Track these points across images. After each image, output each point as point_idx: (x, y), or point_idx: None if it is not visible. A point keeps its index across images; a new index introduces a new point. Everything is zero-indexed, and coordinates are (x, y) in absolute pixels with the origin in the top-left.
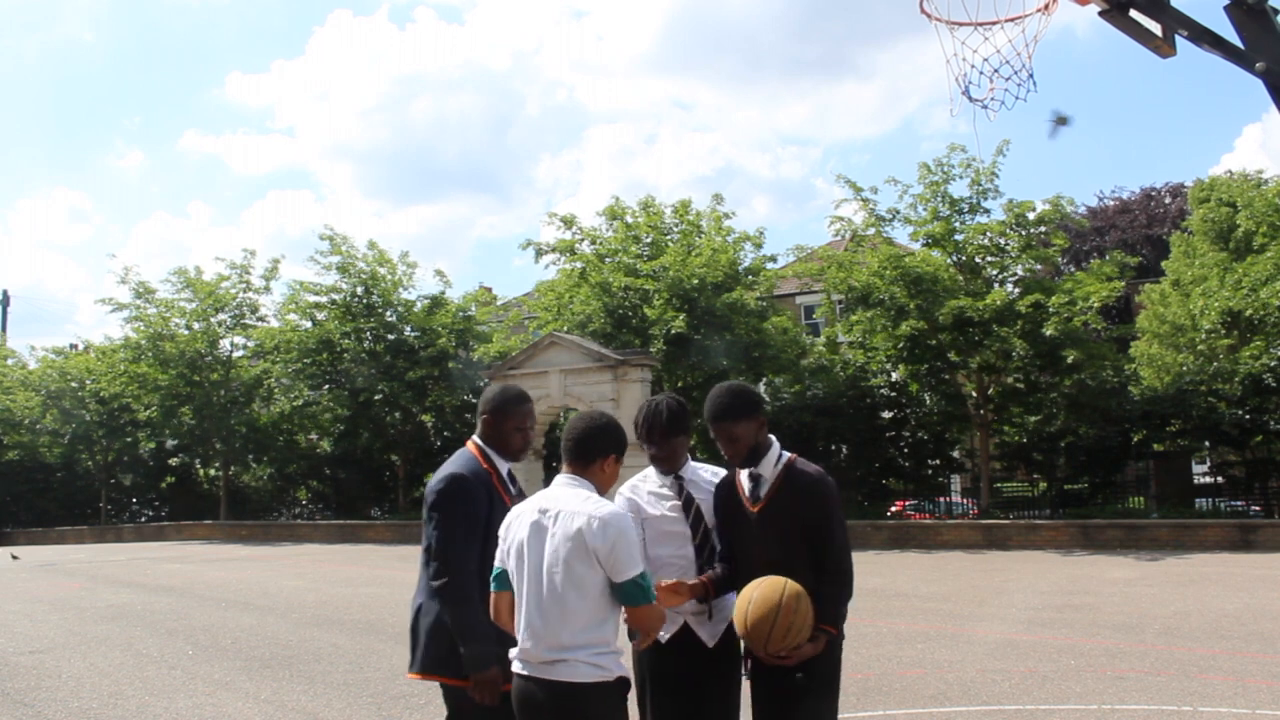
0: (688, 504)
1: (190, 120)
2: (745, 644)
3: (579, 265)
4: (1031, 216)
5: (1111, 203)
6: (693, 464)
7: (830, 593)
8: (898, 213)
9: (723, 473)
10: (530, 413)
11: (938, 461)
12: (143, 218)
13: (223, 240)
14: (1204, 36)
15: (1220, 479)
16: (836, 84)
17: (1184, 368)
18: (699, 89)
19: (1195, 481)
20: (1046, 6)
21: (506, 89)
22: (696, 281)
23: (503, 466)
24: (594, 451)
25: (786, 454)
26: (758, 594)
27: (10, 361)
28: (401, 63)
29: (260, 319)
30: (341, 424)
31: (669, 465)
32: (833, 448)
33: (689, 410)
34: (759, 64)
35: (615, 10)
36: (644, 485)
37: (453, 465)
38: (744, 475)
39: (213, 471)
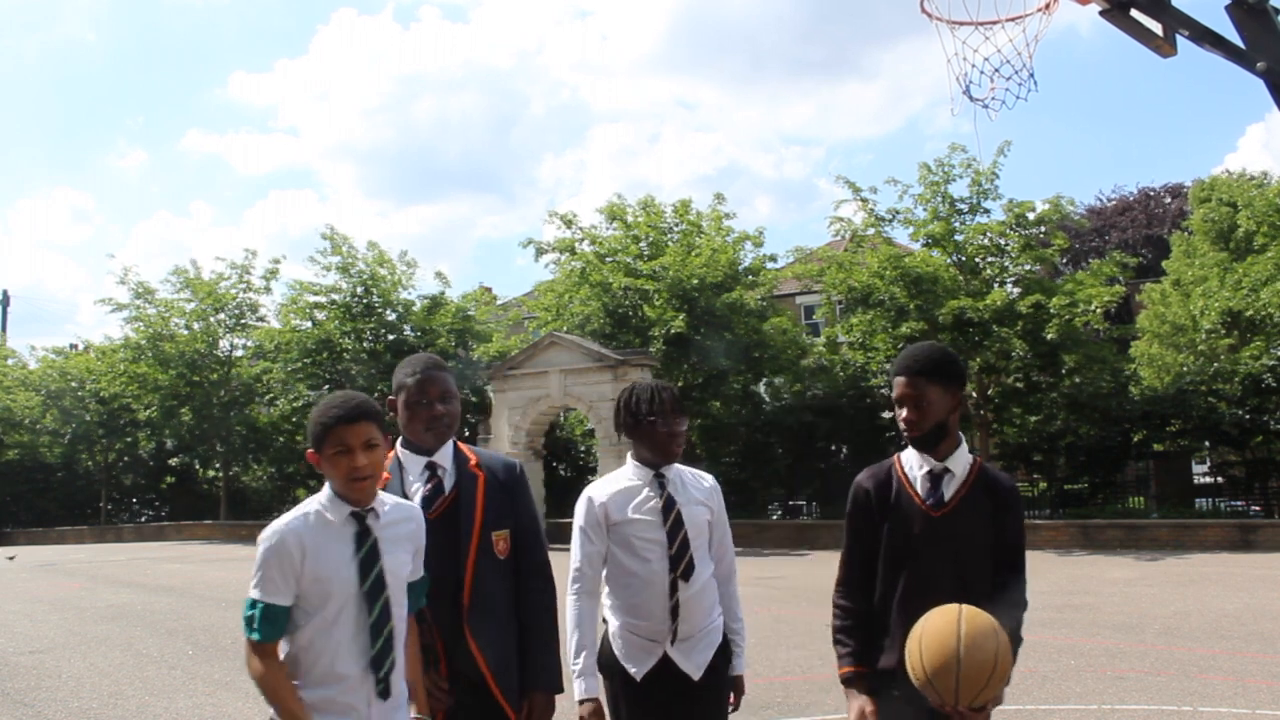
0: (668, 506)
1: (192, 120)
2: (936, 698)
3: (579, 265)
4: (1031, 217)
5: (1111, 203)
6: (683, 469)
7: (1014, 627)
8: (898, 213)
9: (709, 478)
10: (431, 382)
11: None
12: (144, 217)
13: (224, 240)
14: (1205, 36)
15: (1220, 479)
16: (840, 84)
17: (1184, 368)
18: (702, 89)
19: (1195, 481)
20: (1047, 6)
21: (510, 89)
22: (696, 281)
23: (414, 463)
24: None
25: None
26: (965, 628)
27: (10, 361)
28: (405, 62)
29: (260, 319)
30: None
31: (666, 452)
32: (833, 448)
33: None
34: (762, 64)
35: (619, 10)
36: (612, 485)
37: None
38: (917, 471)
39: (213, 472)
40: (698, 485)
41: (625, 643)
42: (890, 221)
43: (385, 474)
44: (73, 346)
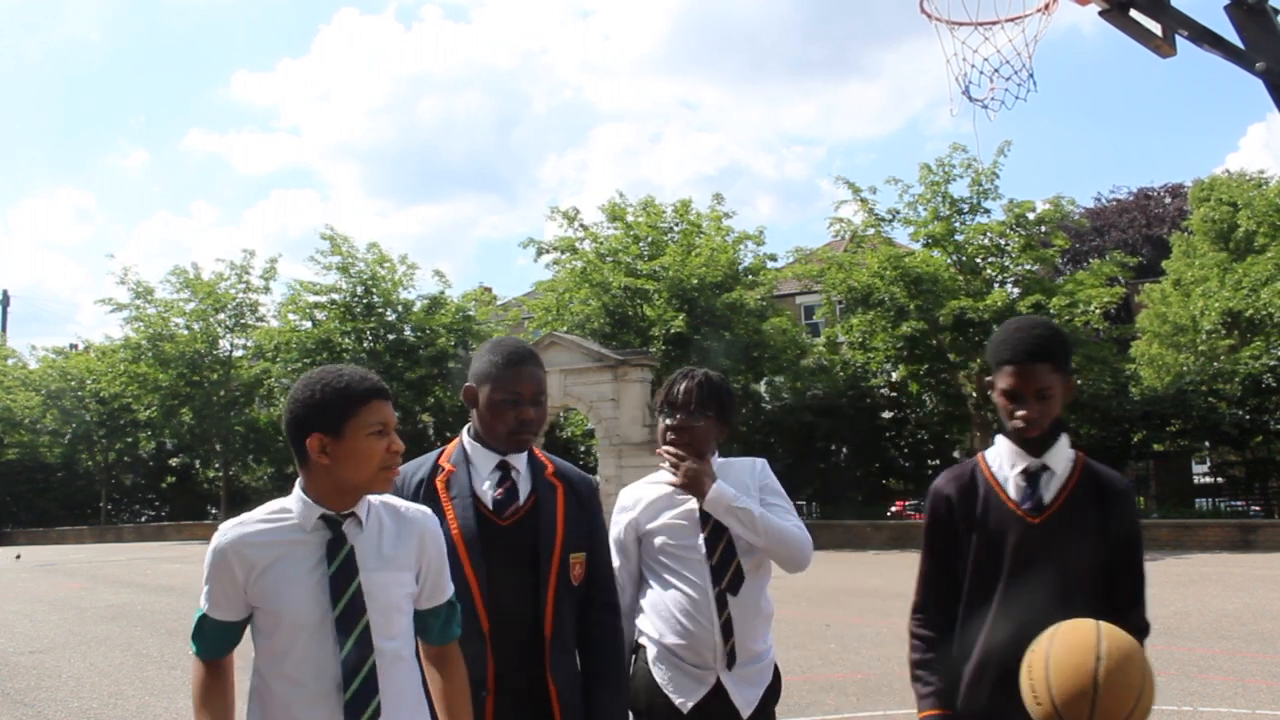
0: (707, 512)
1: (194, 119)
2: None
3: (579, 264)
4: (1032, 217)
5: (1111, 203)
6: (722, 459)
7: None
8: (898, 213)
9: (759, 462)
10: (528, 378)
11: (938, 461)
12: (145, 217)
13: (225, 240)
14: (1204, 36)
15: (1220, 479)
16: (842, 84)
17: (1184, 368)
18: (704, 89)
19: (1195, 481)
20: (1047, 6)
21: (512, 89)
22: (696, 281)
23: (484, 459)
24: (293, 440)
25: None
26: (1107, 646)
27: (10, 361)
28: (408, 62)
29: (260, 319)
30: None
31: (685, 450)
32: (833, 448)
33: (733, 397)
34: (764, 64)
35: (622, 10)
36: (644, 489)
37: None
38: (1009, 470)
39: (212, 472)
40: (744, 478)
41: (671, 669)
42: (890, 222)
43: (449, 467)
44: (73, 346)
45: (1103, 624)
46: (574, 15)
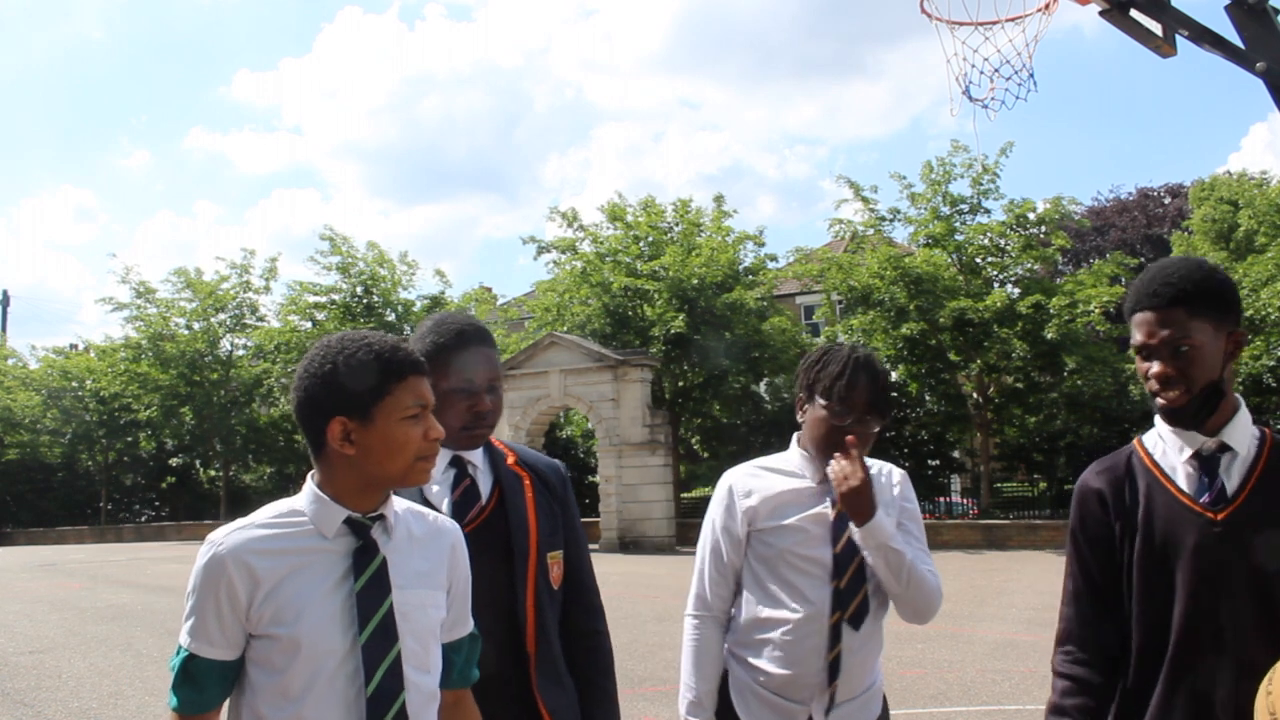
0: (843, 519)
1: (196, 118)
2: None
3: (579, 264)
4: (1032, 217)
5: (1110, 203)
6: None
7: None
8: (899, 212)
9: (897, 472)
10: (482, 361)
11: (938, 461)
12: (147, 217)
13: (228, 239)
14: (1204, 36)
15: None
16: (845, 84)
17: None
18: (707, 88)
19: None
20: (1047, 6)
21: (515, 88)
22: (696, 281)
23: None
24: (307, 425)
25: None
26: None
27: (11, 361)
28: (410, 61)
29: (260, 319)
30: None
31: (831, 453)
32: None
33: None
34: (768, 63)
35: (625, 9)
36: (768, 477)
37: None
38: (1175, 456)
39: (213, 471)
40: (882, 492)
41: (757, 700)
42: (891, 221)
43: None
44: (73, 346)
45: None
46: (577, 14)
